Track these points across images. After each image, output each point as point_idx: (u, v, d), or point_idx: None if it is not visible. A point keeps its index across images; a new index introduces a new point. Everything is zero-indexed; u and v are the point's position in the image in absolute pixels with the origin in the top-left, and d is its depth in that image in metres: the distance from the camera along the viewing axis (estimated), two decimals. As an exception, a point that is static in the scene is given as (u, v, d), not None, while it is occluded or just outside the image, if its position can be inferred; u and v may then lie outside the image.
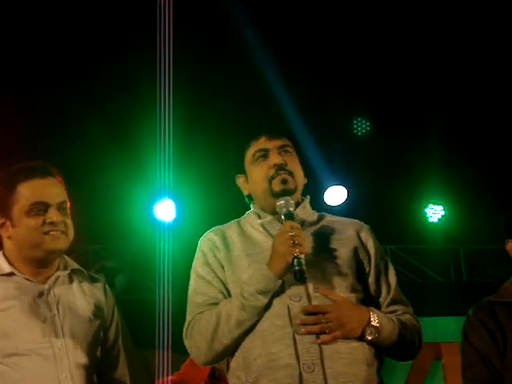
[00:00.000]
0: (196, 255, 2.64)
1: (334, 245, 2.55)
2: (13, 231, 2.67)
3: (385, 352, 2.52)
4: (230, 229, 2.64)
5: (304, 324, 2.42)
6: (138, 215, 5.90)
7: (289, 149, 2.61)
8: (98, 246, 6.01)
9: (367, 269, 2.57)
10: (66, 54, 5.00)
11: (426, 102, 5.86)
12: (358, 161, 6.19)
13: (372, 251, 2.59)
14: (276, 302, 2.46)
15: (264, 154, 2.60)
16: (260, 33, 5.31)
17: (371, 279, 2.57)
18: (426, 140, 6.07)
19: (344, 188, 6.16)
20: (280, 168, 2.56)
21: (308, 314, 2.43)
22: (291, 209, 2.51)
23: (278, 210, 2.52)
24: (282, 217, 2.51)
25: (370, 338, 2.44)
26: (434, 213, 6.62)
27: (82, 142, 5.78)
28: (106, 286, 2.85)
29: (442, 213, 6.64)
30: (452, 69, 5.70)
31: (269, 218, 2.60)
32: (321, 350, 2.40)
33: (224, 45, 5.51)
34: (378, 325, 2.45)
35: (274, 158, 2.57)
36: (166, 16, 4.30)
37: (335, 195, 6.19)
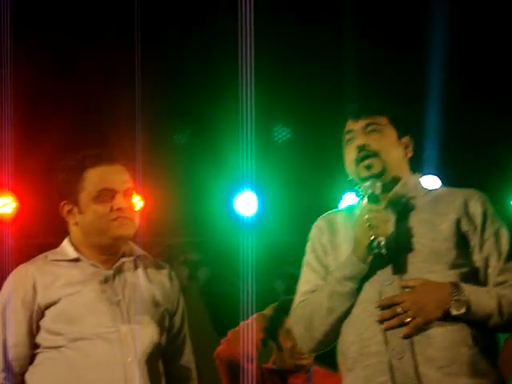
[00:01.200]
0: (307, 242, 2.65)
1: (435, 220, 2.48)
2: (80, 217, 2.71)
3: (490, 328, 2.40)
4: (341, 212, 2.64)
5: (383, 320, 2.38)
6: (221, 208, 5.93)
7: (378, 127, 2.56)
8: (182, 239, 6.07)
9: (473, 240, 2.47)
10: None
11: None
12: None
13: (479, 220, 2.48)
14: (368, 287, 2.44)
15: (352, 136, 2.58)
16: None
17: (477, 251, 2.47)
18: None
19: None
20: (362, 149, 2.52)
21: (384, 308, 2.38)
22: (377, 191, 2.47)
23: (362, 191, 2.50)
24: (366, 199, 2.48)
25: (456, 313, 2.35)
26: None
27: (164, 136, 5.84)
28: (172, 273, 2.88)
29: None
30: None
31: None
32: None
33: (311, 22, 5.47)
34: (463, 298, 2.35)
35: (357, 140, 2.55)
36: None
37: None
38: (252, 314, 4.87)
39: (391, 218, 2.49)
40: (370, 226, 2.39)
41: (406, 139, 2.62)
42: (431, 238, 2.44)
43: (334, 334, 2.50)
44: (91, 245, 2.76)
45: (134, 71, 4.47)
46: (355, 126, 2.58)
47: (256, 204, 5.91)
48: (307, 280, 2.58)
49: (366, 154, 2.52)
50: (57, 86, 5.25)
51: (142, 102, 4.49)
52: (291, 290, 6.39)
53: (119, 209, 2.70)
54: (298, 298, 2.59)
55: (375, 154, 2.53)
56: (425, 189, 2.60)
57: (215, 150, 5.74)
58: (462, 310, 2.35)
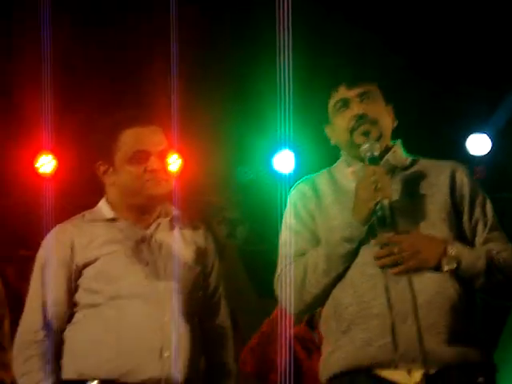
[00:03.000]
0: (286, 207, 2.64)
1: (428, 189, 2.49)
2: (115, 178, 2.76)
3: (479, 289, 2.43)
4: (321, 178, 2.62)
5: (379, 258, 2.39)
6: (259, 167, 5.92)
7: (371, 95, 2.54)
8: (220, 197, 6.09)
9: (462, 211, 2.49)
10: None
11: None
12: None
13: (466, 190, 2.50)
14: (365, 249, 2.43)
15: (344, 104, 2.54)
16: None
17: (466, 219, 2.49)
18: None
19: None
20: (361, 118, 2.50)
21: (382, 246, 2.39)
22: (376, 153, 2.46)
23: (362, 154, 2.47)
24: (366, 161, 2.46)
25: (447, 268, 2.37)
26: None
27: (202, 94, 5.83)
28: (208, 233, 2.91)
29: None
30: None
31: (359, 165, 2.55)
32: (414, 299, 2.35)
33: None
34: (455, 254, 2.37)
35: (355, 108, 2.51)
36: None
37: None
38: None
39: (399, 182, 2.51)
40: (376, 187, 2.38)
41: (390, 107, 2.61)
42: (427, 209, 2.45)
43: (323, 297, 2.50)
44: (127, 205, 2.79)
45: (169, 32, 4.46)
46: (349, 93, 2.54)
47: (294, 162, 5.89)
48: (292, 243, 2.56)
49: (363, 122, 2.50)
50: (95, 47, 5.26)
51: (179, 61, 4.48)
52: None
53: (152, 170, 2.73)
54: (283, 261, 2.55)
55: (374, 122, 2.51)
56: (407, 158, 2.59)
57: (253, 109, 5.72)
58: (454, 266, 2.38)
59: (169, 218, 2.85)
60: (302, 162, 5.92)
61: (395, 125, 2.62)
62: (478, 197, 2.53)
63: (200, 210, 5.95)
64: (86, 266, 2.71)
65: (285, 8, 4.27)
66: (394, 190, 2.47)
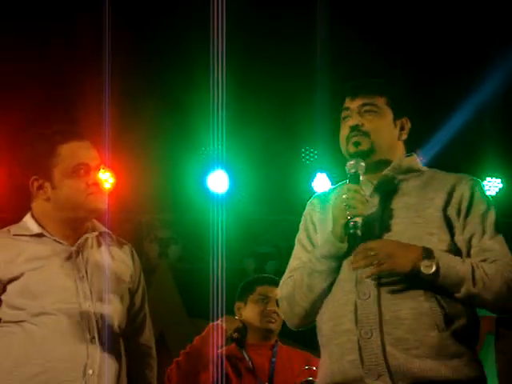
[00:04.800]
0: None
1: (421, 204, 2.46)
2: (53, 193, 2.71)
3: (464, 299, 2.36)
4: (334, 190, 2.60)
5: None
6: (192, 186, 5.91)
7: (374, 108, 2.54)
8: (152, 216, 6.05)
9: (456, 223, 2.44)
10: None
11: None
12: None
13: (465, 203, 2.46)
14: (346, 266, 2.43)
15: (347, 114, 2.56)
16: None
17: (459, 232, 2.44)
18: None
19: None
20: (354, 129, 2.51)
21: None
22: (359, 171, 2.46)
23: (347, 169, 2.48)
24: (347, 177, 2.47)
25: (425, 272, 2.32)
26: (492, 186, 6.48)
27: (135, 112, 5.80)
28: (133, 251, 2.89)
29: (500, 186, 6.50)
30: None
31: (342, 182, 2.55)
32: (380, 316, 2.35)
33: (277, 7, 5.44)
34: (432, 257, 2.33)
35: (351, 119, 2.53)
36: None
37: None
38: (222, 291, 4.88)
39: (374, 200, 2.48)
40: (346, 205, 2.38)
41: (402, 121, 2.59)
42: (414, 222, 2.42)
43: (314, 311, 2.51)
44: (61, 219, 2.74)
45: (103, 49, 4.44)
46: (352, 104, 2.56)
47: (227, 182, 5.90)
48: (296, 257, 2.59)
49: (356, 134, 2.51)
50: (26, 59, 5.18)
51: (112, 79, 4.46)
52: (261, 268, 6.43)
53: (94, 183, 2.72)
54: (286, 274, 2.59)
55: (366, 134, 2.51)
56: (418, 171, 2.57)
57: (187, 128, 5.72)
58: (432, 270, 2.33)
59: (95, 234, 2.82)
60: (236, 183, 5.94)
61: (403, 138, 2.59)
62: (479, 208, 2.46)
63: (131, 228, 5.89)
64: (10, 281, 2.65)
65: (219, 26, 4.29)
66: (379, 206, 2.45)
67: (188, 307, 6.18)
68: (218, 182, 5.86)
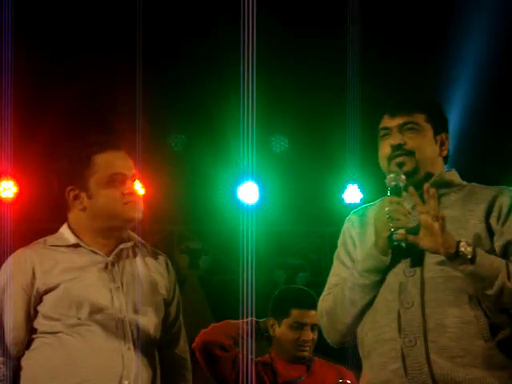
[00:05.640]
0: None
1: (463, 216, 2.45)
2: (89, 202, 2.71)
3: (499, 294, 2.34)
4: (372, 206, 2.60)
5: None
6: (222, 198, 5.93)
7: (415, 126, 2.52)
8: (183, 227, 6.07)
9: (496, 230, 2.43)
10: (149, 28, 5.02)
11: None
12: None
13: (504, 211, 2.44)
14: (391, 277, 2.43)
15: (386, 133, 2.54)
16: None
17: (497, 238, 2.42)
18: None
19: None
20: (397, 149, 2.50)
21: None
22: (400, 184, 2.45)
23: (387, 183, 2.48)
24: (388, 190, 2.46)
25: (464, 252, 2.30)
26: None
27: (166, 124, 5.84)
28: (168, 262, 2.88)
29: None
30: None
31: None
32: (425, 323, 2.34)
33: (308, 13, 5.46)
34: (471, 245, 2.32)
35: (392, 138, 2.51)
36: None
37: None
38: (252, 303, 4.87)
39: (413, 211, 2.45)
40: (389, 218, 2.38)
41: (442, 136, 2.57)
42: (457, 233, 2.39)
43: (355, 326, 2.50)
44: (97, 229, 2.75)
45: (135, 69, 4.49)
46: (391, 123, 2.53)
47: (258, 193, 5.90)
48: (335, 273, 2.58)
49: (400, 153, 2.49)
50: (58, 73, 5.24)
51: (143, 95, 4.49)
52: (291, 280, 6.41)
53: (130, 193, 2.72)
54: (325, 290, 2.58)
55: (410, 153, 2.50)
56: (459, 185, 2.56)
57: (218, 140, 5.74)
58: (470, 252, 2.31)
59: (131, 245, 2.81)
60: (266, 194, 5.94)
61: (444, 154, 2.58)
62: None
63: (162, 239, 5.90)
64: (46, 292, 2.65)
65: (249, 46, 4.31)
66: (416, 219, 2.43)
67: (217, 319, 6.16)
68: (248, 193, 5.87)
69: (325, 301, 2.55)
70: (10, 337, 2.64)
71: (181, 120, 5.75)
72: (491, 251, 2.41)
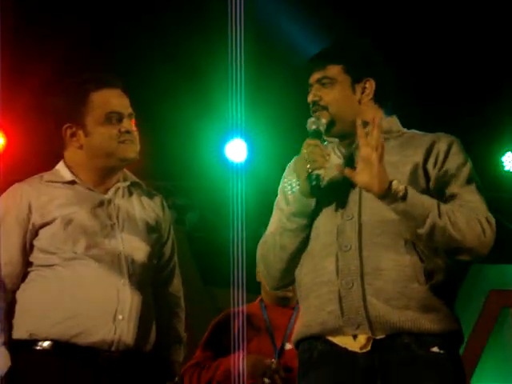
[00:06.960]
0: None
1: (400, 162, 2.47)
2: (86, 140, 2.72)
3: (430, 234, 2.37)
4: None
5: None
6: (210, 154, 5.89)
7: (328, 80, 2.54)
8: (169, 182, 6.03)
9: (432, 175, 2.47)
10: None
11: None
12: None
13: (441, 156, 2.48)
14: (329, 220, 2.46)
15: (310, 90, 2.59)
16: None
17: (433, 183, 2.46)
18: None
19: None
20: (313, 105, 2.54)
21: None
22: (321, 128, 2.48)
23: (307, 127, 2.51)
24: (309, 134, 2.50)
25: (396, 189, 2.33)
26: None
27: (155, 81, 5.78)
28: (164, 202, 2.90)
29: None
30: None
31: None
32: (362, 266, 2.37)
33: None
34: (401, 187, 2.35)
35: (309, 95, 2.57)
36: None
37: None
38: (242, 261, 4.87)
39: (331, 152, 2.50)
40: (307, 159, 2.40)
41: (364, 83, 2.57)
42: (394, 178, 2.40)
43: (290, 269, 2.53)
44: (94, 167, 2.75)
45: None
46: (311, 79, 2.58)
47: (246, 151, 5.88)
48: (273, 220, 2.61)
49: (316, 108, 2.53)
50: (44, 21, 5.16)
51: (129, 45, 4.44)
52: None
53: (127, 131, 2.71)
54: (262, 238, 2.61)
55: (324, 108, 2.52)
56: (397, 132, 2.59)
57: (205, 96, 5.69)
58: (401, 190, 2.33)
59: (127, 184, 2.82)
60: (255, 151, 5.92)
61: (367, 99, 2.56)
62: (454, 160, 2.49)
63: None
64: (42, 226, 2.66)
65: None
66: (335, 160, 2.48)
67: (204, 275, 6.18)
68: (236, 150, 5.85)
69: (260, 247, 2.57)
70: (4, 270, 2.65)
71: (167, 74, 5.68)
72: (424, 191, 2.43)
